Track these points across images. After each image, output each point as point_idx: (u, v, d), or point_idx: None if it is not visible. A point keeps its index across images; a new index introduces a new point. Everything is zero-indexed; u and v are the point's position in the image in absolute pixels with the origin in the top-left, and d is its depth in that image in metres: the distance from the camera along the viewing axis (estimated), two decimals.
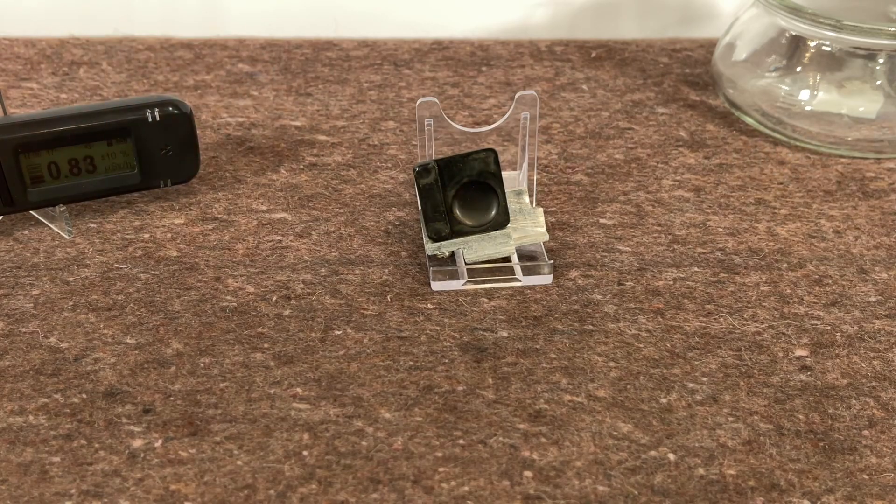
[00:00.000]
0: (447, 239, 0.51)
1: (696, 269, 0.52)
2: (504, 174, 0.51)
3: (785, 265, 0.53)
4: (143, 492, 0.40)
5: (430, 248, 0.51)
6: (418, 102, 0.52)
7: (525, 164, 0.54)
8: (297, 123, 0.65)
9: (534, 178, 0.54)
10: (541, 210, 0.53)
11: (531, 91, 0.52)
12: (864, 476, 0.40)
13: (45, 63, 0.71)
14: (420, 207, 0.51)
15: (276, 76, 0.70)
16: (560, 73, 0.72)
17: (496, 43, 0.76)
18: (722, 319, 0.49)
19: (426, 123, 0.52)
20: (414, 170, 0.50)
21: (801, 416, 0.43)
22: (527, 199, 0.54)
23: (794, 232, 0.55)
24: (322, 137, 0.63)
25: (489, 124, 0.65)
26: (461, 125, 0.61)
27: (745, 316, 0.49)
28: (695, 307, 0.49)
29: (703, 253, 0.53)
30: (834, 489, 0.39)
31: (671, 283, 0.51)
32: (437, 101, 0.52)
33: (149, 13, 0.78)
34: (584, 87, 0.70)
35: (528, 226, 0.52)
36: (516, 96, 0.52)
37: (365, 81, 0.70)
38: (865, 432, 0.42)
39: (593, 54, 0.75)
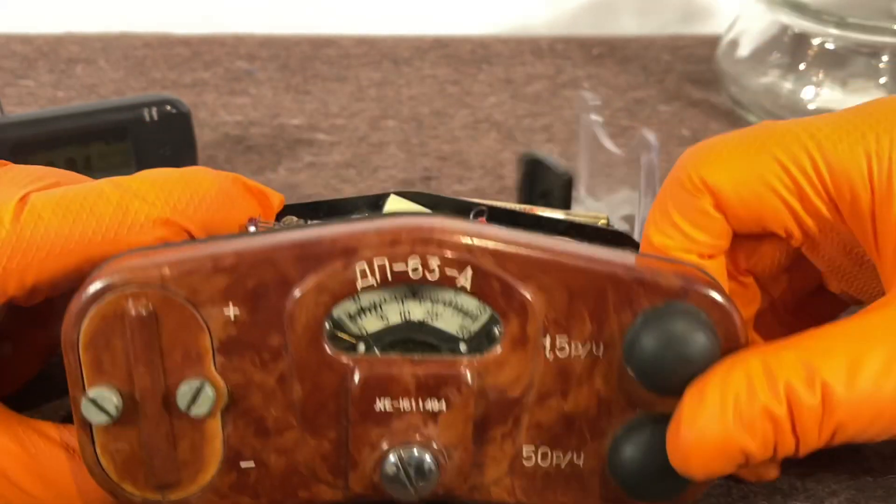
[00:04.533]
0: None
1: None
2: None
3: None
4: None
5: None
6: (580, 95, 0.47)
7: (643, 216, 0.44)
8: (296, 122, 0.64)
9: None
10: None
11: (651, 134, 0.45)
12: (868, 479, 0.40)
13: (42, 60, 0.71)
14: None
15: (274, 73, 0.70)
16: (561, 71, 0.71)
17: (496, 40, 0.75)
18: None
19: (590, 118, 0.46)
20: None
21: None
22: None
23: None
24: (321, 136, 0.63)
25: (489, 123, 0.64)
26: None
27: None
28: None
29: None
30: (837, 492, 0.39)
31: None
32: (598, 99, 0.46)
33: (146, 8, 0.77)
34: (586, 84, 0.70)
35: None
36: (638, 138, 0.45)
37: (364, 79, 0.70)
38: None
39: (594, 52, 0.74)
